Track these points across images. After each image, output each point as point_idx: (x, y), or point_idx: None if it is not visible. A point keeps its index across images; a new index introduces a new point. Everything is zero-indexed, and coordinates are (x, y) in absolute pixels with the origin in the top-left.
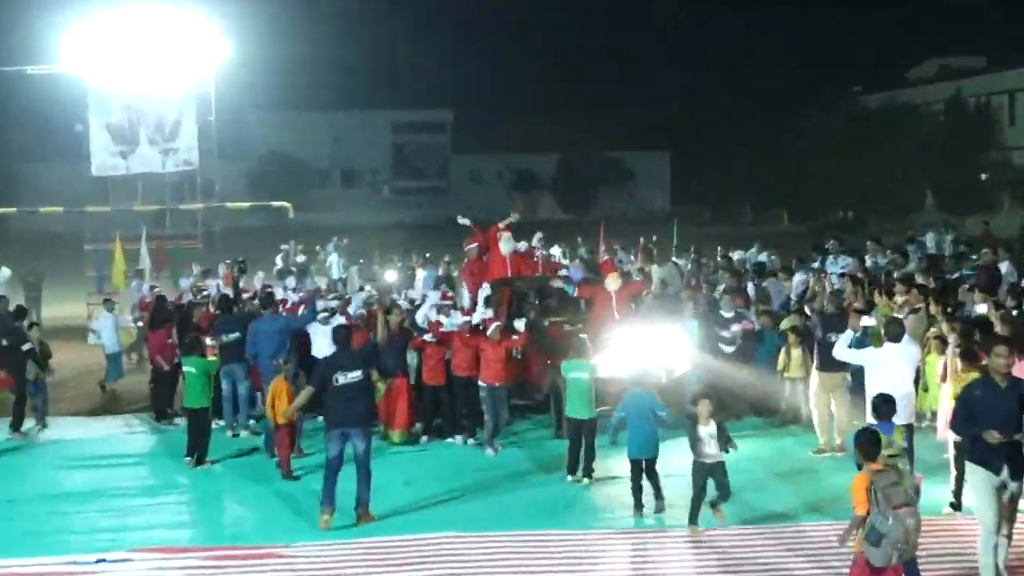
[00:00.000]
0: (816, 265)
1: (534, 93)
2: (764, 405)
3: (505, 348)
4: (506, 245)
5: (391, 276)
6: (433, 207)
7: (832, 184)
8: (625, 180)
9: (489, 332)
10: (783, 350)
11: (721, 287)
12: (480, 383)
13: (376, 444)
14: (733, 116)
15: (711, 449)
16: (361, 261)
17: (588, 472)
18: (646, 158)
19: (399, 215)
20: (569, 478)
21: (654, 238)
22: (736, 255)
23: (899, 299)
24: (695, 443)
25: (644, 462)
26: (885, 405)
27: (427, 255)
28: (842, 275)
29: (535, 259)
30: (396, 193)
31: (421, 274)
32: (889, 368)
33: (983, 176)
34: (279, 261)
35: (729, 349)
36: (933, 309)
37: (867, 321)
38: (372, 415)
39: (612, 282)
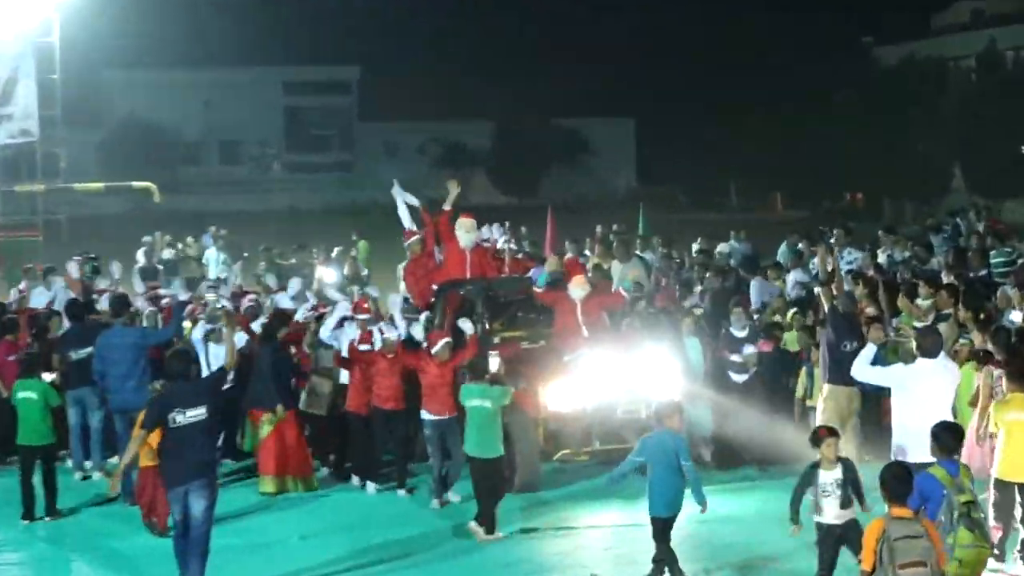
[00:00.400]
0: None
1: (463, 45)
2: (776, 453)
3: (454, 369)
4: (467, 237)
5: (329, 275)
6: (336, 188)
7: (838, 160)
8: (579, 154)
9: (435, 350)
10: (803, 372)
11: (698, 289)
12: (425, 416)
13: (256, 501)
14: (712, 73)
15: (836, 505)
16: (246, 255)
17: (481, 522)
18: (605, 126)
19: (293, 198)
20: (486, 536)
21: (615, 227)
22: (721, 247)
23: (923, 303)
24: (817, 497)
25: (668, 522)
26: (949, 436)
27: (333, 249)
28: (849, 272)
29: (501, 256)
30: (289, 170)
31: (323, 273)
32: (925, 390)
33: (1023, 149)
34: (141, 257)
35: (740, 377)
36: (962, 315)
37: (891, 333)
38: (215, 462)
39: (577, 288)
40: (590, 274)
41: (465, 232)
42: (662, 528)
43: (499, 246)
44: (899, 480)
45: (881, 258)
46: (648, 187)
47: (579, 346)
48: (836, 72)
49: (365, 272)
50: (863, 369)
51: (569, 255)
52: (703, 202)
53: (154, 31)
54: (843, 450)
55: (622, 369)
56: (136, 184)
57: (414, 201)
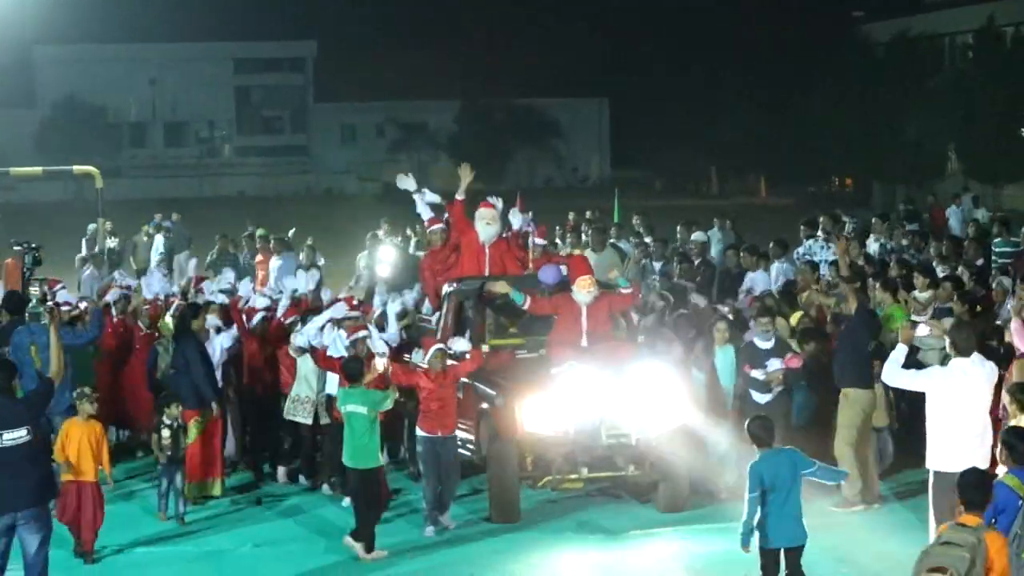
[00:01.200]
0: (801, 250)
1: (425, 20)
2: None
3: (454, 379)
4: (487, 230)
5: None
6: (288, 172)
7: (825, 144)
8: (549, 137)
9: (427, 359)
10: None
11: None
12: (418, 432)
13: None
14: (691, 51)
15: None
16: (193, 246)
17: (358, 538)
18: (576, 107)
19: (243, 183)
20: (365, 555)
21: (588, 214)
22: (696, 235)
23: (922, 295)
24: None
25: (790, 552)
26: (1022, 443)
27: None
28: (835, 264)
29: (527, 249)
30: (239, 154)
31: (275, 263)
32: (962, 392)
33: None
34: (84, 246)
35: (763, 398)
36: (957, 309)
37: (922, 331)
38: (48, 490)
39: (583, 292)
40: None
41: (486, 224)
42: (787, 560)
43: (530, 239)
44: (977, 488)
45: (872, 248)
46: (622, 171)
47: (568, 357)
48: (823, 50)
49: (321, 262)
50: (896, 373)
51: (575, 251)
52: (681, 188)
53: (92, 2)
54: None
55: (608, 386)
56: (77, 168)
57: (435, 198)
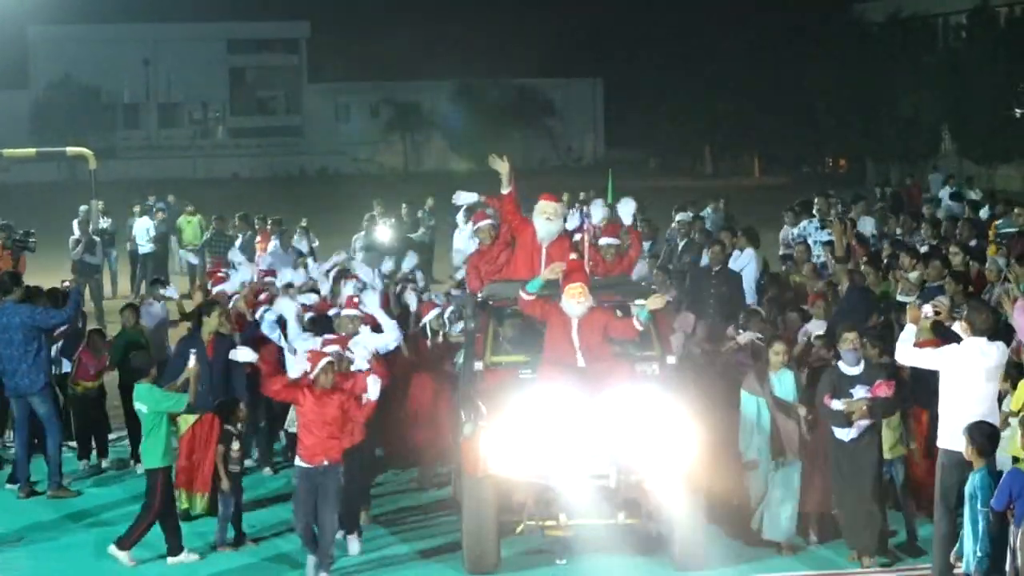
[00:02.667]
0: (796, 231)
1: (418, 0)
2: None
3: (342, 399)
4: (547, 226)
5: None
6: (282, 153)
7: (819, 123)
8: (543, 117)
9: (314, 372)
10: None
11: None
12: (297, 462)
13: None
14: (685, 31)
15: None
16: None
17: (124, 545)
18: (570, 87)
19: (237, 164)
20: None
21: (582, 195)
22: (679, 216)
23: (912, 275)
24: None
25: None
26: None
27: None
28: (829, 244)
29: (584, 247)
30: (233, 134)
31: (269, 245)
32: (978, 373)
33: (1018, 112)
34: (76, 228)
35: (847, 434)
36: (950, 289)
37: (927, 311)
38: None
39: (573, 300)
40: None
41: (546, 219)
42: None
43: (583, 236)
44: (990, 438)
45: (868, 227)
46: (617, 152)
47: (555, 379)
48: (817, 30)
49: (316, 243)
50: (909, 351)
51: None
52: (676, 168)
53: None
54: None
55: (593, 415)
56: (70, 150)
57: (473, 197)
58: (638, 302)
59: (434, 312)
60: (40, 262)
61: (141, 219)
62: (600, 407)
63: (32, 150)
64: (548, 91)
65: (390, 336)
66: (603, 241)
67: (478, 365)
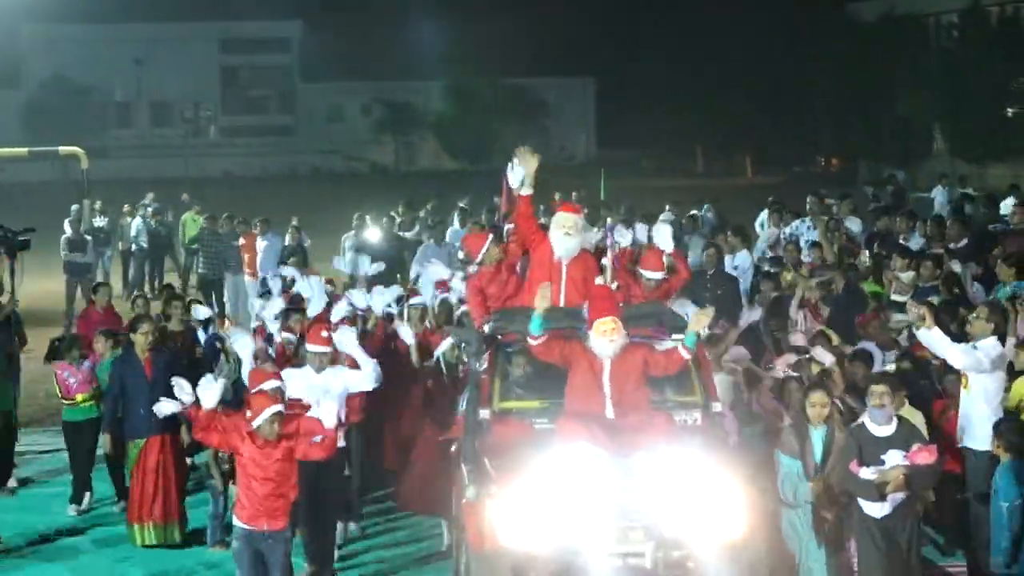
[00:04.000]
0: (788, 230)
1: None
2: None
3: (288, 453)
4: (566, 242)
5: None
6: (274, 152)
7: (811, 123)
8: (535, 116)
9: (258, 420)
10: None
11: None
12: (236, 523)
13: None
14: (678, 30)
15: None
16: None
17: None
18: (563, 86)
19: (229, 163)
20: None
21: (574, 194)
22: (663, 217)
23: (904, 275)
24: None
25: None
26: None
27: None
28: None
29: (612, 263)
30: (225, 134)
31: (260, 244)
32: (1001, 373)
33: (1009, 112)
34: (68, 227)
35: (879, 509)
36: (944, 290)
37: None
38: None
39: (604, 338)
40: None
41: (564, 234)
42: None
43: (612, 251)
44: (1020, 433)
45: (854, 227)
46: (609, 151)
47: (578, 434)
48: (810, 29)
49: (308, 242)
50: (958, 353)
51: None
52: (668, 167)
53: None
54: None
55: (624, 481)
56: (63, 149)
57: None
58: (675, 336)
59: (447, 343)
60: (32, 262)
61: (135, 218)
62: (634, 469)
63: (24, 149)
64: (541, 90)
65: (366, 376)
66: (647, 274)
67: (484, 413)
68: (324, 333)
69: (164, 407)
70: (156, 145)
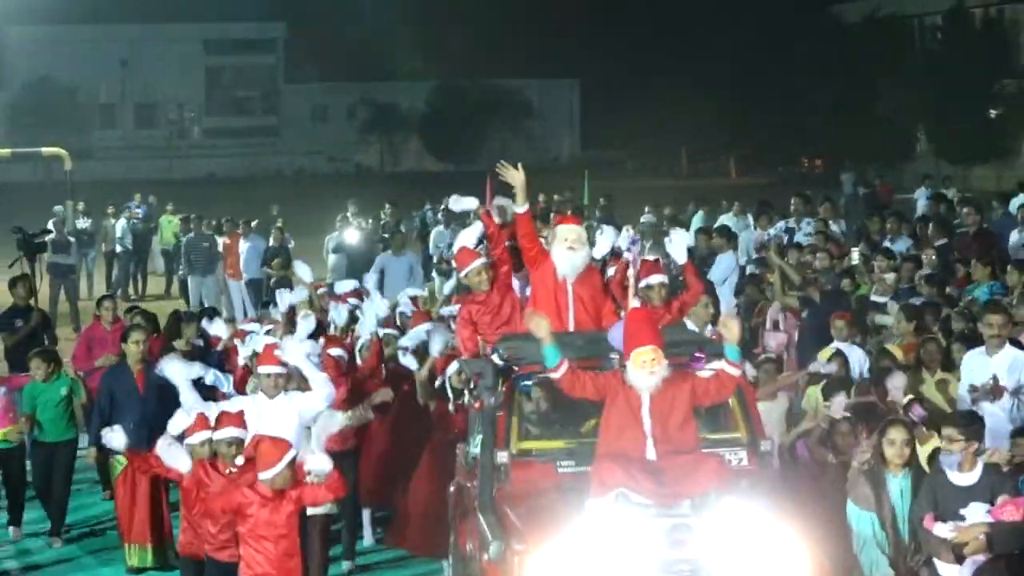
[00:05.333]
0: (773, 231)
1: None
2: None
3: (297, 505)
4: (570, 257)
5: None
6: (259, 153)
7: (795, 124)
8: (520, 117)
9: (265, 475)
10: None
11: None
12: None
13: None
14: (662, 31)
15: None
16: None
17: None
18: (548, 88)
19: (213, 164)
20: None
21: (557, 196)
22: (645, 218)
23: (887, 276)
24: None
25: None
26: None
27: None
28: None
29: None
30: (210, 135)
31: (243, 245)
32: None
33: (993, 113)
34: (51, 228)
35: (960, 574)
36: (926, 292)
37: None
38: None
39: (643, 370)
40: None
41: (567, 248)
42: None
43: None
44: None
45: (835, 226)
46: (594, 152)
47: (617, 480)
48: (794, 30)
49: (291, 243)
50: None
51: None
52: (653, 168)
53: None
54: None
55: (663, 533)
56: (46, 150)
57: (472, 204)
58: (711, 365)
59: (454, 366)
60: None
61: (119, 220)
62: (680, 520)
63: (7, 151)
64: (525, 92)
65: (318, 396)
66: (653, 279)
67: (502, 456)
68: (276, 352)
69: (114, 439)
70: (140, 146)
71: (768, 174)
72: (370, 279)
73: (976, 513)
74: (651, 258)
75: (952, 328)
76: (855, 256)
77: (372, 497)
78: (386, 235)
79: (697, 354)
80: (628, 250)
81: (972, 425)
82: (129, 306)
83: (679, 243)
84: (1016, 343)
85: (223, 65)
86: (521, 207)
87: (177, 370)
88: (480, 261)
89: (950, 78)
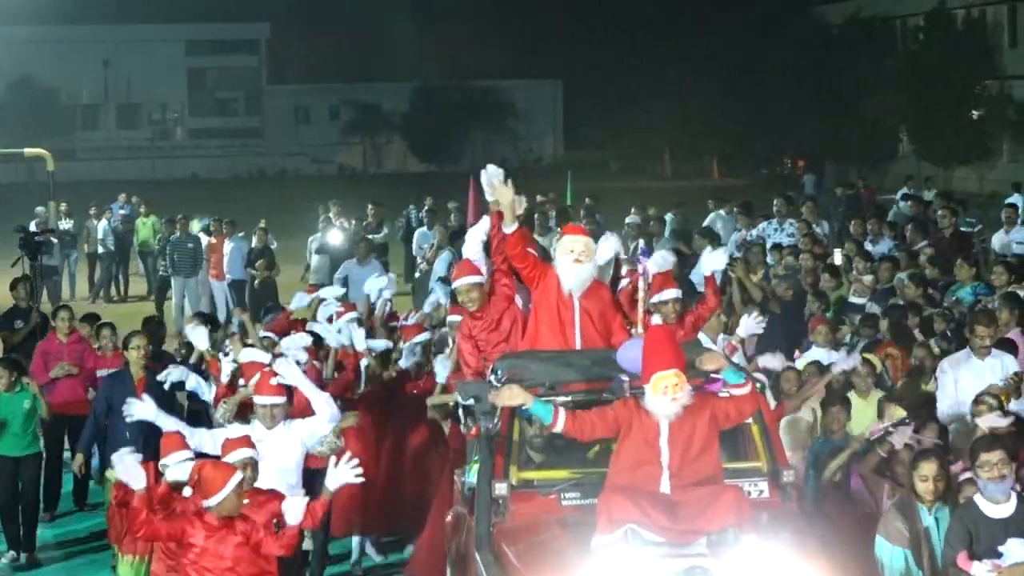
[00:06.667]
0: (754, 232)
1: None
2: None
3: (249, 533)
4: (576, 271)
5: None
6: (242, 154)
7: (778, 125)
8: (503, 118)
9: (217, 498)
10: None
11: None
12: None
13: None
14: (644, 32)
15: None
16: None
17: None
18: (531, 89)
19: (196, 165)
20: None
21: (540, 198)
22: (630, 218)
23: (866, 278)
24: None
25: None
26: None
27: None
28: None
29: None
30: (192, 136)
31: (228, 246)
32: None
33: (975, 114)
34: (34, 229)
35: None
36: (911, 294)
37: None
38: None
39: (663, 396)
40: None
41: (574, 260)
42: None
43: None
44: None
45: (817, 228)
46: (577, 153)
47: (628, 515)
48: (777, 31)
49: (275, 244)
50: None
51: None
52: (636, 169)
53: None
54: None
55: (681, 575)
56: (28, 151)
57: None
58: (730, 390)
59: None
60: None
61: (100, 221)
62: (695, 561)
63: None
64: (508, 93)
65: (322, 418)
66: (667, 294)
67: (500, 488)
68: (274, 381)
69: (131, 475)
70: (123, 147)
71: (751, 175)
72: (332, 291)
73: (1017, 550)
74: (664, 270)
75: (934, 329)
76: (838, 257)
77: (368, 524)
78: (369, 236)
79: (714, 375)
80: (638, 261)
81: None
82: (85, 314)
83: (714, 260)
84: (1006, 344)
85: (206, 66)
86: (510, 226)
87: (147, 411)
88: (471, 279)
89: (932, 79)
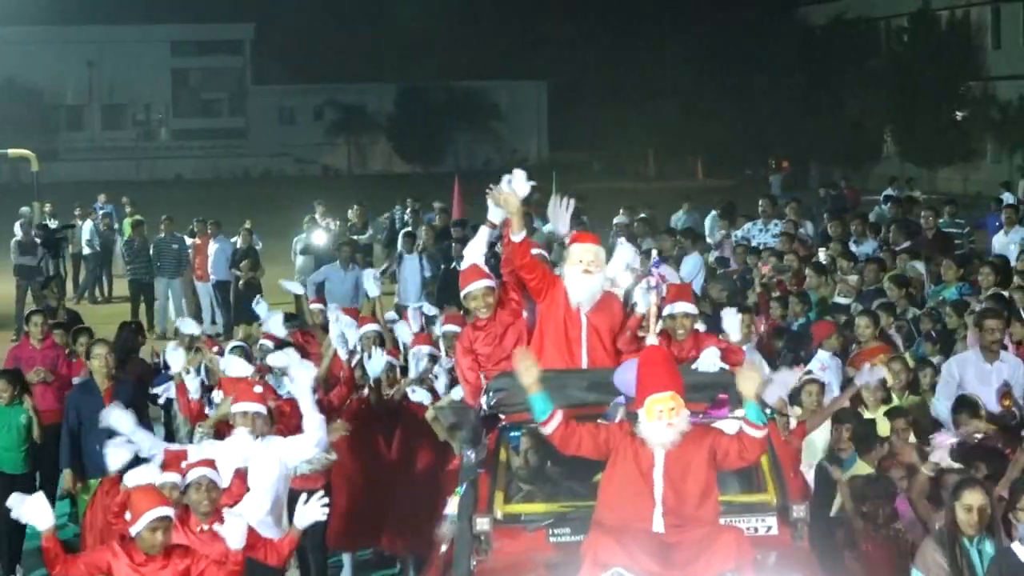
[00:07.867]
0: (739, 233)
1: (362, 1)
2: None
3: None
4: (585, 283)
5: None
6: (226, 155)
7: (762, 126)
8: (487, 119)
9: (138, 527)
10: None
11: None
12: None
13: None
14: (628, 33)
15: None
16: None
17: None
18: (515, 89)
19: (180, 165)
20: None
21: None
22: (618, 219)
23: (851, 278)
24: None
25: None
26: None
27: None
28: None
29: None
30: (177, 136)
31: (212, 246)
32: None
33: (959, 115)
34: (18, 230)
35: None
36: (893, 295)
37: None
38: None
39: (660, 423)
40: None
41: (583, 271)
42: None
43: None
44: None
45: (800, 229)
46: (561, 154)
47: (617, 556)
48: (761, 32)
49: (259, 245)
50: None
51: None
52: (620, 170)
53: None
54: None
55: None
56: (12, 151)
57: (500, 216)
58: (738, 413)
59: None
60: None
61: (85, 222)
62: None
63: None
64: (493, 93)
65: (309, 441)
66: (677, 307)
67: (483, 523)
68: (258, 388)
69: (115, 456)
70: (107, 148)
71: (734, 175)
72: (301, 288)
73: None
74: (677, 279)
75: (920, 329)
76: (822, 257)
77: (362, 540)
78: (354, 237)
79: (721, 396)
80: (651, 273)
81: None
82: (53, 323)
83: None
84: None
85: (190, 67)
86: (518, 235)
87: (123, 424)
88: (484, 283)
89: (916, 80)
